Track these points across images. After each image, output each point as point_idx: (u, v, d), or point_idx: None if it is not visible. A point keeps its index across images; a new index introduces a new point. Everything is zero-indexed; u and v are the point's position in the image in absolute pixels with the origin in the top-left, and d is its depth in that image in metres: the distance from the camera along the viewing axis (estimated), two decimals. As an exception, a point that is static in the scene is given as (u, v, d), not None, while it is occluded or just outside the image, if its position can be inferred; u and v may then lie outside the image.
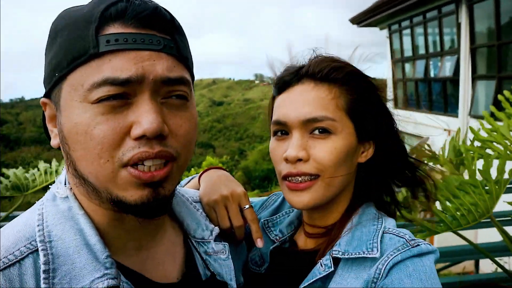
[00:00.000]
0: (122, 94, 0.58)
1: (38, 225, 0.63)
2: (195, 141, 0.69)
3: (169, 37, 0.63)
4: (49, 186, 0.70)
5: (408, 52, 10.53)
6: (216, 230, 0.82)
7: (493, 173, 1.48)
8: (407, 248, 0.75)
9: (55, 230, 0.63)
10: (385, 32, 11.61)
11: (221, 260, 0.79)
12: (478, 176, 1.53)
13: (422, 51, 9.84)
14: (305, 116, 0.80)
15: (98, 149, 0.58)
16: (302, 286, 0.80)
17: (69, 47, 0.59)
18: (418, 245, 0.76)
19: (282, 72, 0.88)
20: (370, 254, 0.76)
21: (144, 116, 0.58)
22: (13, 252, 0.59)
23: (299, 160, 0.80)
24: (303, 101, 0.81)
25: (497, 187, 1.45)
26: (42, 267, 0.58)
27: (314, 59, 0.86)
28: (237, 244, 0.91)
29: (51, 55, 0.63)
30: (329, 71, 0.82)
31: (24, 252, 0.59)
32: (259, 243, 0.87)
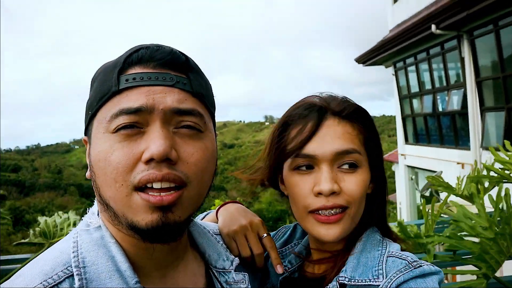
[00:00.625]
0: (136, 124, 0.65)
1: (73, 252, 0.67)
2: (212, 173, 0.72)
3: (184, 75, 0.70)
4: None
5: (414, 88, 10.66)
6: (237, 260, 0.84)
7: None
8: (410, 270, 0.76)
9: (88, 256, 0.67)
10: (390, 70, 11.83)
11: None
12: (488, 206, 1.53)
13: (428, 86, 9.96)
14: (338, 149, 0.82)
15: (114, 173, 0.64)
16: None
17: (99, 89, 0.70)
18: (421, 266, 0.77)
19: (295, 109, 0.90)
20: (375, 281, 0.78)
21: (153, 142, 0.64)
22: (52, 276, 0.64)
23: (332, 193, 0.82)
24: (332, 136, 0.84)
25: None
26: None
27: (331, 97, 0.90)
28: (256, 274, 0.93)
29: (88, 98, 0.73)
30: (352, 110, 0.87)
31: (62, 277, 0.64)
32: (279, 269, 0.90)
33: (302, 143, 0.84)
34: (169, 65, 0.69)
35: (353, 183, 0.83)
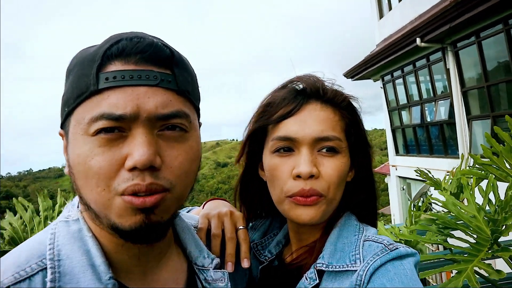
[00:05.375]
0: (117, 128, 0.61)
1: (49, 244, 0.65)
2: (196, 172, 0.70)
3: (168, 71, 0.65)
4: None
5: (403, 100, 10.83)
6: (217, 260, 0.81)
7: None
8: (386, 253, 0.76)
9: (64, 249, 0.65)
10: (378, 84, 12.04)
11: None
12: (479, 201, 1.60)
13: (416, 98, 10.14)
14: (318, 134, 0.82)
15: (96, 178, 0.61)
16: None
17: (76, 84, 0.64)
18: (397, 248, 0.77)
19: (278, 91, 0.91)
20: (353, 266, 0.78)
21: (136, 149, 0.60)
22: (25, 269, 0.61)
23: (311, 176, 0.81)
24: (314, 120, 0.83)
25: (502, 211, 1.47)
26: (48, 284, 0.61)
27: (315, 81, 0.89)
28: (237, 268, 0.90)
29: (64, 91, 0.68)
30: (334, 95, 0.87)
31: (35, 269, 0.62)
32: (245, 263, 0.86)
33: (283, 118, 0.85)
34: (152, 60, 0.63)
35: (331, 168, 0.83)
